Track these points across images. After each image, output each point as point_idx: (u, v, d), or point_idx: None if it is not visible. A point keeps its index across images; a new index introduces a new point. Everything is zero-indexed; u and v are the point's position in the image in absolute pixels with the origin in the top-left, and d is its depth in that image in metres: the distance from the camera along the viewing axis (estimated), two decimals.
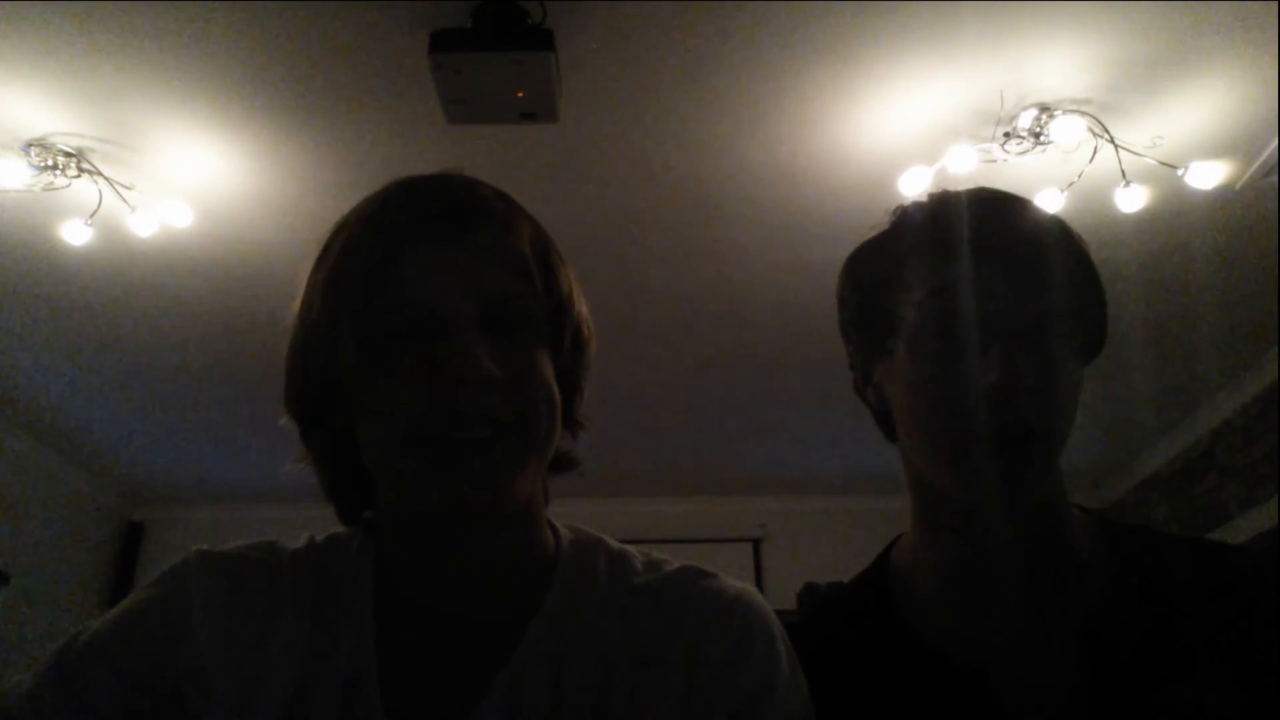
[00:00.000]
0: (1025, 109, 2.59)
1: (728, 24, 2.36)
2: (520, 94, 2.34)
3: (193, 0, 2.27)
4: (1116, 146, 2.65)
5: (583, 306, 0.78)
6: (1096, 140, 2.64)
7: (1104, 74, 2.48)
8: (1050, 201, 2.77)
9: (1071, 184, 2.77)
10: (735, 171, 2.89)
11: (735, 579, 0.77)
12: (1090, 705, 0.77)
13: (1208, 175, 2.75)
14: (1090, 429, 4.31)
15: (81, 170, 2.78)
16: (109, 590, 5.19)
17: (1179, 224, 3.03)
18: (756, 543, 5.34)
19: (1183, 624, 0.78)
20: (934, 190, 0.89)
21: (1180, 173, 2.75)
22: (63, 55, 2.42)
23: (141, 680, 0.69)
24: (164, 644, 0.70)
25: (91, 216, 2.92)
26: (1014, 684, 0.79)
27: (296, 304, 0.75)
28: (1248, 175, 2.81)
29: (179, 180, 2.88)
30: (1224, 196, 2.89)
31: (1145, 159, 2.70)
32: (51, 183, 2.79)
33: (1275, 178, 2.79)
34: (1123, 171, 2.73)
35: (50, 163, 2.75)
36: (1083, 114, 2.58)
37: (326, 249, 0.74)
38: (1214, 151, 2.73)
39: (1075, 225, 0.87)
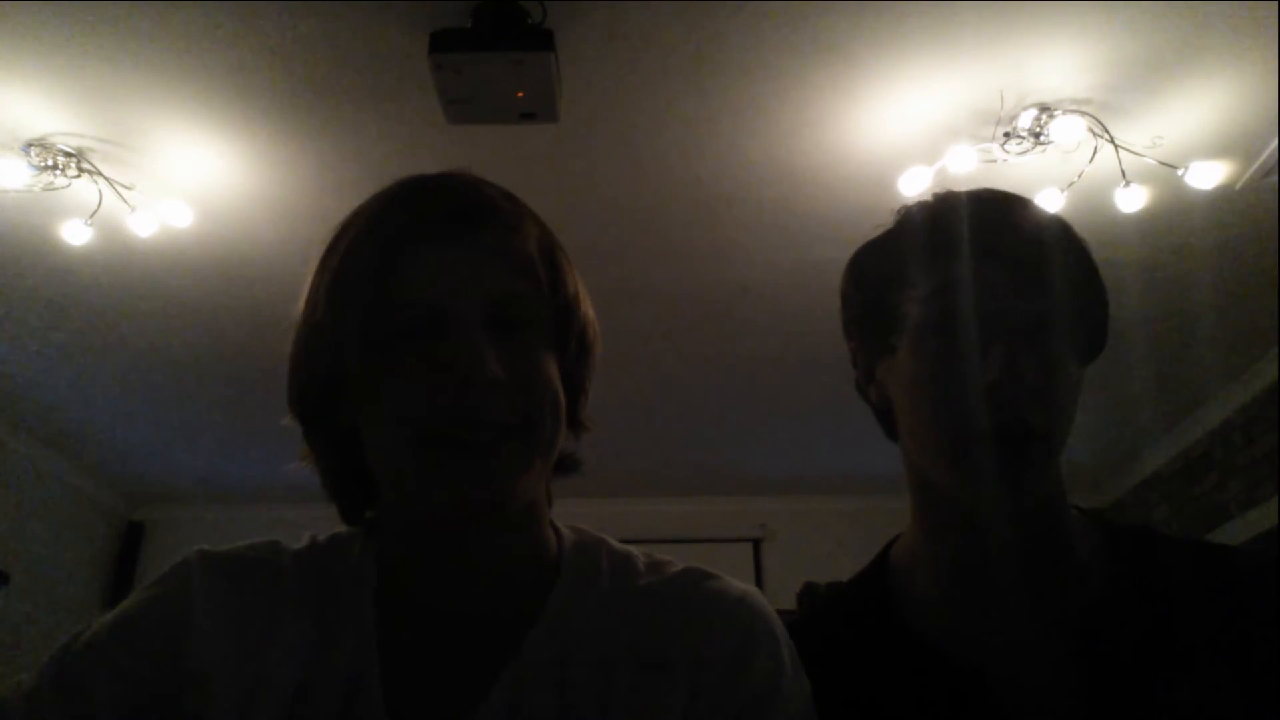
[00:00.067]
0: (1025, 109, 2.59)
1: (728, 24, 2.36)
2: (520, 94, 2.34)
3: (193, 0, 2.27)
4: (1116, 146, 2.65)
5: (589, 308, 0.78)
6: (1096, 140, 2.64)
7: (1104, 74, 2.48)
8: (1050, 201, 2.77)
9: (1071, 184, 2.77)
10: (735, 171, 2.89)
11: (738, 580, 0.77)
12: (1089, 705, 0.77)
13: (1208, 175, 2.75)
14: (1090, 429, 4.31)
15: (81, 170, 2.78)
16: (109, 590, 5.19)
17: (1179, 224, 3.03)
18: (756, 543, 5.34)
19: (1182, 624, 0.79)
20: (936, 190, 0.89)
21: (1180, 173, 2.75)
22: (63, 55, 2.42)
23: (142, 680, 0.69)
24: (165, 644, 0.70)
25: (91, 216, 2.92)
26: (1013, 683, 0.79)
27: (300, 303, 0.74)
28: (1248, 175, 2.81)
29: (179, 180, 2.87)
30: (1224, 196, 2.89)
31: (1145, 159, 2.70)
32: (51, 183, 2.79)
33: (1275, 178, 2.79)
34: (1123, 171, 2.73)
35: (50, 163, 2.75)
36: (1083, 114, 2.58)
37: (331, 248, 0.73)
38: (1214, 151, 2.73)
39: (1075, 225, 0.87)
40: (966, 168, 2.69)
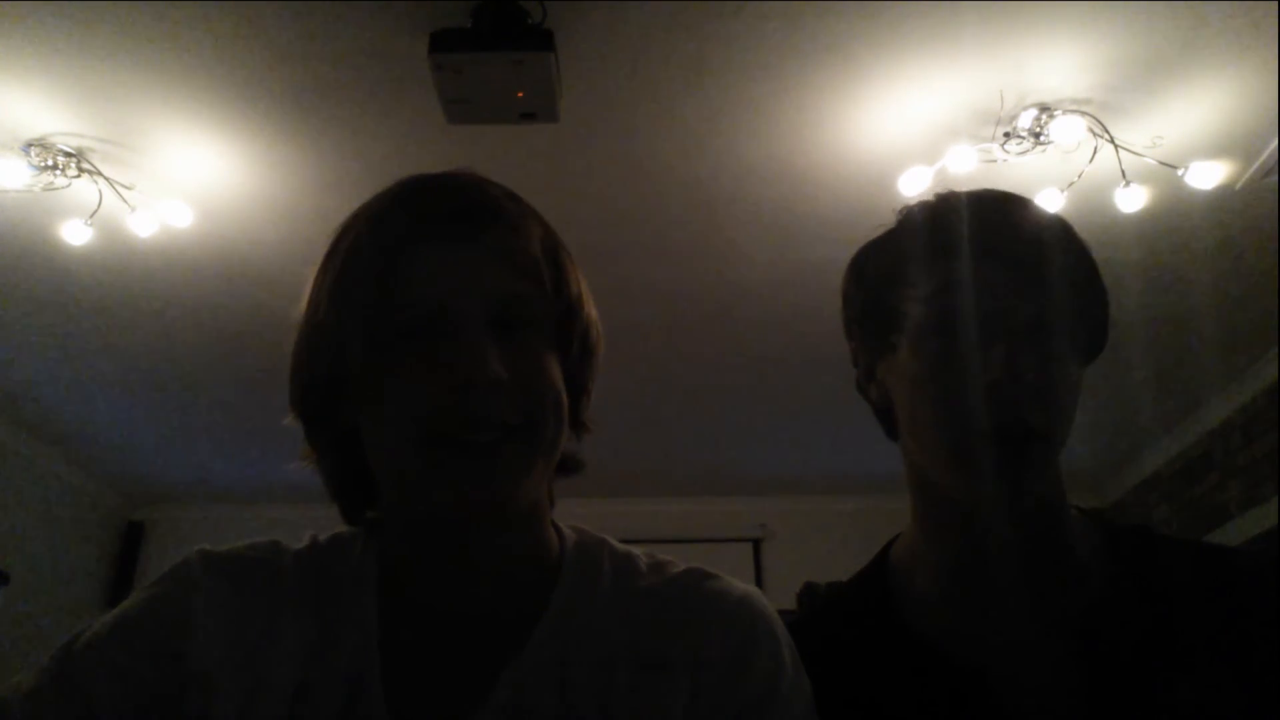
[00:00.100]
0: (1025, 109, 2.59)
1: (728, 24, 2.36)
2: (520, 94, 2.34)
3: (193, 0, 2.27)
4: (1116, 146, 2.65)
5: (592, 309, 0.77)
6: (1096, 140, 2.64)
7: (1104, 74, 2.48)
8: (1050, 201, 2.77)
9: (1071, 184, 2.77)
10: (735, 171, 2.89)
11: (739, 581, 0.77)
12: (1089, 705, 0.77)
13: (1208, 175, 2.75)
14: (1090, 429, 4.31)
15: (81, 170, 2.78)
16: (109, 590, 5.20)
17: (1179, 224, 3.03)
18: (756, 543, 5.34)
19: (1182, 624, 0.79)
20: (936, 190, 0.89)
21: (1180, 173, 2.75)
22: (63, 55, 2.42)
23: (142, 680, 0.68)
24: (165, 644, 0.70)
25: (91, 216, 2.92)
26: (1013, 683, 0.79)
27: (302, 303, 0.74)
28: (1248, 175, 2.81)
29: (179, 180, 2.87)
30: (1224, 196, 2.89)
31: (1145, 159, 2.70)
32: (51, 183, 2.79)
33: (1275, 178, 2.79)
34: (1123, 171, 2.73)
35: (50, 163, 2.75)
36: (1083, 114, 2.58)
37: (334, 248, 0.73)
38: (1214, 151, 2.73)
39: (1075, 225, 0.87)
40: (966, 168, 2.69)
